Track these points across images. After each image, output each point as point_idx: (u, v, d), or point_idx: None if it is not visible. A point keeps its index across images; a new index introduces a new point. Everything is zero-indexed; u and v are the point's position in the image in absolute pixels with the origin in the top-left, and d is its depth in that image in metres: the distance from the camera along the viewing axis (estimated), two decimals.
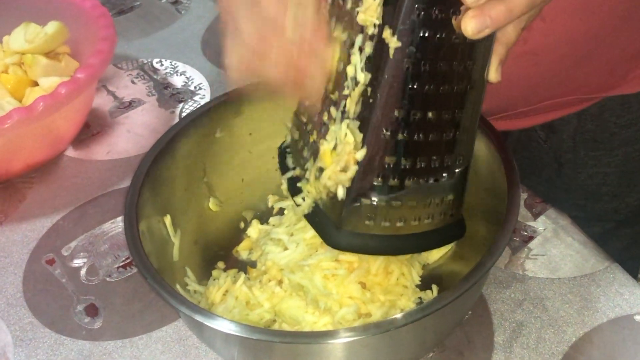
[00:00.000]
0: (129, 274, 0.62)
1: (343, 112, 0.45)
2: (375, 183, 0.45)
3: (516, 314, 0.56)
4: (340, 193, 0.46)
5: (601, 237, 0.63)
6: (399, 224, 0.47)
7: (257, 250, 0.59)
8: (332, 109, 0.46)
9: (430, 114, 0.43)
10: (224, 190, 0.61)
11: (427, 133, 0.44)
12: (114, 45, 0.70)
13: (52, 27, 0.74)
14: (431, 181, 0.46)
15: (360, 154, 0.44)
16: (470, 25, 0.40)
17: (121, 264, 0.63)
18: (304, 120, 0.51)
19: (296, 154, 0.52)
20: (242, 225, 0.62)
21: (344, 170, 0.45)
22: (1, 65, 0.73)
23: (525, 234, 0.62)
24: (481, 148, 0.54)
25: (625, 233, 0.72)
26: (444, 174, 0.46)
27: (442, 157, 0.45)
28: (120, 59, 0.85)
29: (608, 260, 0.60)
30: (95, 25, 0.72)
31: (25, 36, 0.73)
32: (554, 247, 0.61)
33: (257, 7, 0.44)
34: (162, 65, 0.85)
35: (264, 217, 0.62)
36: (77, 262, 0.63)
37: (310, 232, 0.55)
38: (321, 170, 0.47)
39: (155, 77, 0.83)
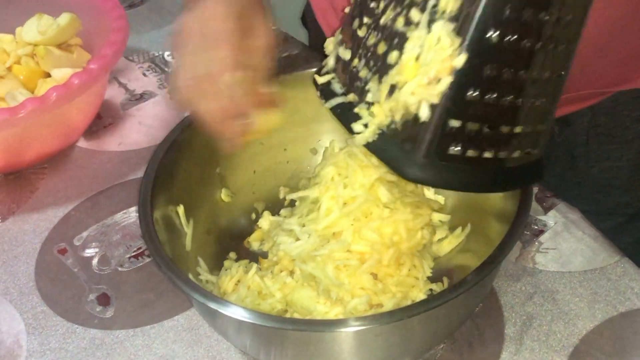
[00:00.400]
0: (141, 264, 0.62)
1: (433, 13, 0.38)
2: (469, 99, 0.38)
3: (527, 307, 0.56)
4: (425, 113, 0.39)
5: (612, 231, 0.63)
6: (487, 155, 0.41)
7: (269, 241, 0.59)
8: (414, 12, 0.39)
9: (543, 15, 0.37)
10: (236, 181, 0.62)
11: (537, 39, 0.38)
12: (127, 36, 0.70)
13: (64, 18, 0.74)
14: (528, 101, 0.40)
15: (460, 60, 0.37)
16: None
17: (133, 254, 0.63)
18: (361, 34, 0.43)
19: (348, 76, 0.45)
20: (253, 216, 0.62)
21: (434, 82, 0.38)
22: (14, 57, 0.73)
23: (536, 227, 0.62)
24: None
25: (636, 227, 0.72)
26: (543, 95, 0.40)
27: (546, 72, 0.40)
28: (132, 51, 0.86)
29: (618, 254, 0.60)
30: (107, 17, 0.72)
31: (38, 28, 0.73)
32: (564, 241, 0.61)
33: (206, 52, 0.46)
34: (173, 58, 0.85)
35: (275, 208, 0.63)
36: (88, 252, 0.64)
37: (322, 223, 0.55)
38: (396, 86, 0.40)
39: (166, 69, 0.83)
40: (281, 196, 0.64)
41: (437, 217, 0.59)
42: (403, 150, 0.41)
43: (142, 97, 0.80)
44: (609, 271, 0.59)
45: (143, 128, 0.76)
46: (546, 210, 0.64)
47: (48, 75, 0.73)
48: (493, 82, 0.38)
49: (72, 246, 0.64)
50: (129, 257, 0.63)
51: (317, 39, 0.77)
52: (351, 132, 0.43)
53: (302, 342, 0.47)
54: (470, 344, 0.54)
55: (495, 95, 0.39)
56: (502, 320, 0.56)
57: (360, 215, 0.55)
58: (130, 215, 0.67)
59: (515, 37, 0.37)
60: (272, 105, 0.50)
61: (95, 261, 0.63)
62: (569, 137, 0.70)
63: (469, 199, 0.58)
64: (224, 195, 0.61)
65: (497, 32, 0.37)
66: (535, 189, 0.65)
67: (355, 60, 0.44)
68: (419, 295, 0.54)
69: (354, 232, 0.54)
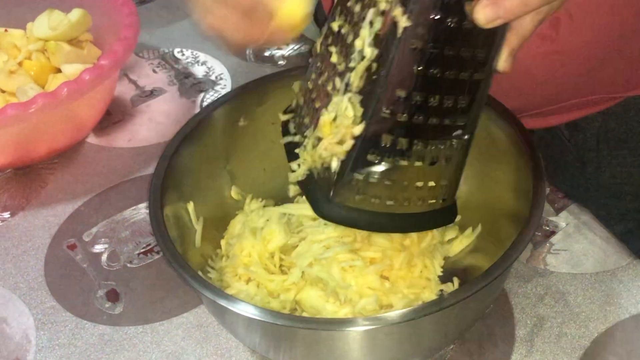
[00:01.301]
0: (150, 260, 0.62)
1: (347, 85, 0.44)
2: (369, 159, 0.45)
3: (538, 309, 0.56)
4: (334, 165, 0.46)
5: (623, 236, 0.62)
6: (389, 202, 0.47)
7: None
8: (337, 80, 0.45)
9: (432, 98, 0.43)
10: (245, 179, 0.61)
11: (427, 116, 0.43)
12: (138, 33, 0.70)
13: (75, 14, 0.74)
14: (426, 164, 0.46)
15: (358, 129, 0.44)
16: (482, 14, 0.39)
17: (142, 251, 0.63)
18: (310, 87, 0.50)
19: (299, 120, 0.52)
20: None
21: (341, 142, 0.45)
22: (25, 52, 0.73)
23: (547, 229, 0.62)
24: (507, 144, 0.54)
25: None
26: (440, 159, 0.46)
27: (440, 142, 0.45)
28: (142, 48, 0.86)
29: (630, 256, 0.59)
30: (118, 13, 0.72)
31: (49, 23, 0.74)
32: (576, 243, 0.61)
33: None
34: (183, 54, 0.85)
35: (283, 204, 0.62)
36: (98, 248, 0.64)
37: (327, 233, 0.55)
38: (319, 139, 0.47)
39: (176, 66, 0.83)
40: (291, 194, 0.63)
41: None
42: (320, 192, 0.48)
43: (152, 94, 0.80)
44: (621, 273, 0.58)
45: (153, 124, 0.76)
46: (558, 211, 0.63)
47: (58, 70, 0.73)
48: (389, 149, 0.44)
49: (81, 242, 0.64)
50: (138, 254, 0.63)
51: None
52: (291, 169, 0.50)
53: (312, 341, 0.47)
54: (480, 345, 0.54)
55: (391, 158, 0.45)
56: (512, 322, 0.55)
57: None
58: (140, 211, 0.66)
59: (406, 114, 0.43)
60: None
61: (104, 257, 0.63)
62: (579, 142, 0.69)
63: (480, 200, 0.58)
64: (233, 192, 0.61)
65: (389, 110, 0.43)
66: (547, 190, 0.64)
67: (304, 108, 0.51)
68: (431, 296, 0.54)
69: (362, 239, 0.54)
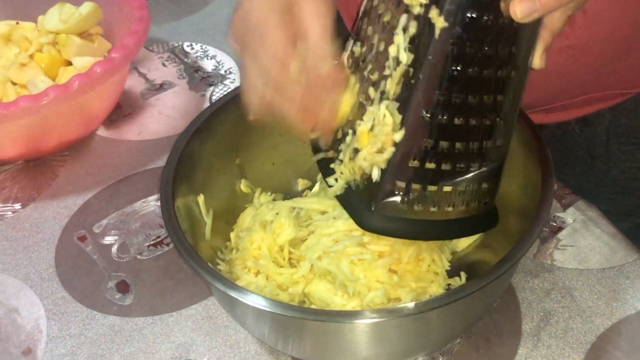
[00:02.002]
0: (160, 252, 0.63)
1: (382, 93, 0.44)
2: (411, 166, 0.45)
3: (544, 303, 0.56)
4: (375, 175, 0.46)
5: (630, 232, 0.63)
6: (432, 209, 0.47)
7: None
8: (371, 90, 0.45)
9: (471, 97, 0.43)
10: (255, 172, 0.62)
11: (467, 117, 0.43)
12: (148, 26, 0.70)
13: (86, 7, 0.74)
14: (468, 167, 0.46)
15: (399, 136, 0.44)
16: (519, 8, 0.39)
17: (152, 243, 0.63)
18: None
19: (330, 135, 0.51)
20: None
21: (381, 151, 0.45)
22: (36, 45, 0.74)
23: (555, 224, 0.62)
24: (516, 139, 0.54)
25: None
26: (482, 161, 0.46)
27: (481, 143, 0.45)
28: (151, 41, 0.86)
29: (637, 252, 0.60)
30: (128, 6, 0.72)
31: (60, 16, 0.74)
32: (582, 238, 0.61)
33: (263, 48, 0.44)
34: (192, 49, 0.85)
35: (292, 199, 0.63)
36: (108, 240, 0.64)
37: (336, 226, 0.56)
38: (356, 151, 0.47)
39: (185, 60, 0.84)
40: (299, 188, 0.64)
41: None
42: (361, 204, 0.47)
43: (161, 87, 0.80)
44: (627, 269, 0.58)
45: (162, 118, 0.77)
46: (565, 207, 0.64)
47: (69, 63, 0.74)
48: (430, 153, 0.44)
49: (91, 233, 0.65)
50: (148, 246, 0.63)
51: (338, 30, 0.77)
52: (327, 184, 0.50)
53: (321, 333, 0.47)
54: (487, 338, 0.55)
55: (433, 163, 0.45)
56: (519, 316, 0.56)
57: None
58: (149, 204, 0.67)
59: (446, 116, 0.43)
60: (337, 86, 0.46)
61: (114, 249, 0.63)
62: (588, 137, 0.70)
63: None
64: (243, 186, 0.62)
65: (430, 113, 0.43)
66: (555, 187, 0.64)
67: None
68: (438, 290, 0.54)
69: (371, 233, 0.54)
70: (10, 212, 0.68)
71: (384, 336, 0.47)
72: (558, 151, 0.70)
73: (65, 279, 0.61)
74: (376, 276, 0.53)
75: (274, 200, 0.62)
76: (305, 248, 0.55)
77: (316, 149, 0.53)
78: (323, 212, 0.58)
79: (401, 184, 0.46)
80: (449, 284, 0.55)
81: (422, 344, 0.50)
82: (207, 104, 0.77)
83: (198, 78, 0.81)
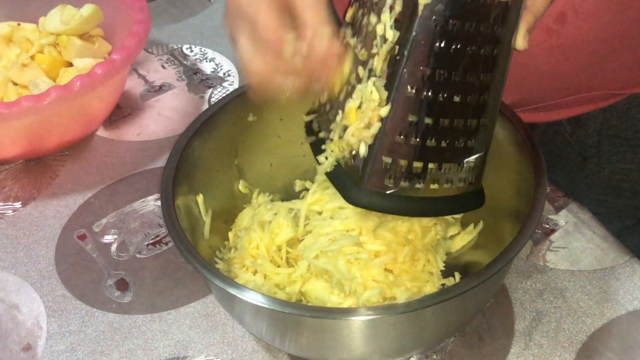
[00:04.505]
0: (159, 251, 0.64)
1: (370, 71, 0.45)
2: (397, 141, 0.46)
3: (536, 304, 0.57)
4: (362, 150, 0.46)
5: (621, 233, 0.64)
6: (418, 186, 0.47)
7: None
8: (360, 69, 0.46)
9: (454, 74, 0.44)
10: (253, 173, 0.63)
11: (451, 93, 0.44)
12: (149, 28, 0.71)
13: (87, 9, 0.75)
14: (453, 144, 0.46)
15: (384, 111, 0.45)
16: None
17: (151, 242, 0.64)
18: None
19: (322, 117, 0.52)
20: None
21: (367, 127, 0.46)
22: (37, 46, 0.74)
23: (547, 226, 0.63)
24: (508, 141, 0.55)
25: None
26: (467, 138, 0.46)
27: (465, 120, 0.46)
28: (151, 43, 0.87)
29: (628, 254, 0.61)
30: (129, 8, 0.73)
31: (61, 18, 0.75)
32: (575, 240, 0.62)
33: (256, 34, 0.45)
34: (191, 51, 0.86)
35: (291, 201, 0.64)
36: (107, 238, 0.65)
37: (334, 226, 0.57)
38: (345, 128, 0.47)
39: (185, 62, 0.85)
40: (297, 189, 0.65)
41: None
42: (350, 180, 0.48)
43: (161, 89, 0.81)
44: (618, 271, 0.60)
45: (161, 119, 0.77)
46: (557, 209, 0.65)
47: (70, 64, 0.75)
48: (416, 129, 0.45)
49: (91, 232, 0.66)
50: (147, 244, 0.64)
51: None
52: (318, 162, 0.51)
53: (317, 330, 0.48)
54: (480, 337, 0.56)
55: (419, 139, 0.45)
56: (512, 316, 0.57)
57: (375, 216, 0.56)
58: (149, 203, 0.68)
59: (431, 92, 0.44)
60: (334, 60, 0.46)
61: (114, 247, 0.64)
62: (580, 138, 0.70)
63: None
64: (241, 186, 0.62)
65: (415, 89, 0.44)
66: (548, 189, 0.66)
67: (327, 104, 0.52)
68: (433, 289, 0.55)
69: (368, 232, 0.55)
70: (10, 211, 0.68)
71: (379, 333, 0.48)
72: (549, 152, 0.71)
73: (65, 277, 0.62)
74: (372, 275, 0.54)
75: (272, 200, 0.63)
76: (302, 247, 0.56)
77: (309, 130, 0.54)
78: (320, 213, 0.58)
79: (387, 160, 0.46)
80: (443, 284, 0.56)
81: (417, 342, 0.51)
82: (205, 106, 0.78)
83: (197, 80, 0.82)
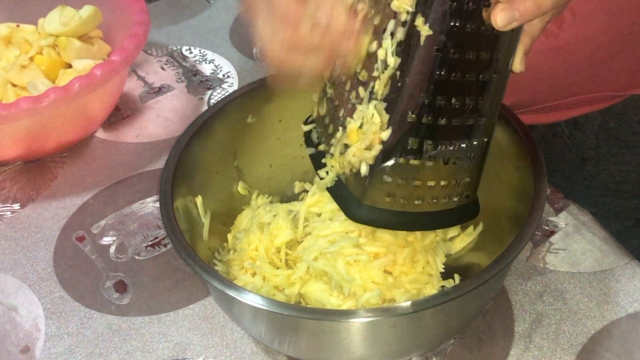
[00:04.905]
0: (157, 253, 0.63)
1: (371, 93, 0.46)
2: (397, 162, 0.47)
3: (536, 306, 0.57)
4: (364, 170, 0.48)
5: (620, 235, 0.64)
6: (417, 202, 0.49)
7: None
8: (361, 89, 0.47)
9: (454, 100, 0.45)
10: (252, 175, 0.63)
11: (450, 118, 0.45)
12: (148, 30, 0.71)
13: (86, 10, 0.75)
14: (450, 163, 0.47)
15: (386, 134, 0.46)
16: (499, 17, 0.41)
17: (150, 243, 0.64)
18: (332, 96, 0.52)
19: (322, 129, 0.53)
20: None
21: (369, 148, 0.47)
22: (36, 47, 0.74)
23: (547, 228, 0.63)
24: (508, 143, 0.55)
25: None
26: (463, 158, 0.48)
27: (463, 141, 0.47)
28: (150, 45, 0.87)
29: (628, 256, 0.61)
30: (128, 10, 0.73)
31: (61, 19, 0.75)
32: (575, 242, 0.62)
33: (272, 12, 0.45)
34: (191, 52, 0.86)
35: (290, 202, 0.63)
36: (106, 240, 0.65)
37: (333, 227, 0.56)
38: (346, 146, 0.49)
39: (184, 64, 0.84)
40: (296, 191, 0.65)
41: None
42: (350, 196, 0.50)
43: (160, 90, 0.81)
44: (618, 273, 0.59)
45: (161, 120, 0.77)
46: (557, 211, 0.64)
47: (69, 66, 0.74)
48: (416, 151, 0.46)
49: (90, 234, 0.65)
50: (146, 246, 0.64)
51: None
52: (319, 176, 0.52)
53: (317, 332, 0.48)
54: (480, 339, 0.55)
55: (418, 160, 0.47)
56: (512, 318, 0.57)
57: None
58: (147, 205, 0.68)
59: (430, 117, 0.45)
60: (352, 33, 0.46)
61: (112, 249, 0.64)
62: (578, 140, 0.70)
63: (481, 199, 0.59)
64: (240, 188, 0.62)
65: (415, 114, 0.45)
66: (548, 191, 0.65)
67: (327, 117, 0.53)
68: (432, 291, 0.55)
69: (367, 234, 0.55)
70: (9, 212, 0.68)
71: (379, 335, 0.48)
72: (548, 154, 0.71)
73: (63, 279, 0.62)
74: (371, 277, 0.54)
75: (271, 202, 0.63)
76: (301, 249, 0.56)
77: (309, 140, 0.55)
78: (319, 214, 0.58)
79: (387, 179, 0.48)
80: (442, 286, 0.56)
81: (416, 344, 0.51)
82: (205, 107, 0.78)
83: (196, 82, 0.82)
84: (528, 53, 0.45)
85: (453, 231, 0.60)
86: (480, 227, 0.59)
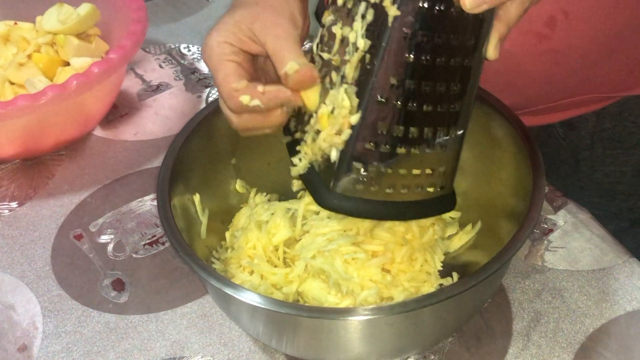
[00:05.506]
0: (155, 251, 0.63)
1: (343, 77, 0.46)
2: (367, 148, 0.46)
3: (535, 304, 0.57)
4: (334, 155, 0.47)
5: (615, 235, 0.63)
6: (388, 191, 0.48)
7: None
8: (333, 74, 0.47)
9: (424, 85, 0.44)
10: (250, 173, 0.63)
11: (420, 103, 0.45)
12: (146, 27, 0.71)
13: (84, 8, 0.75)
14: (423, 151, 0.47)
15: (355, 118, 0.45)
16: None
17: (147, 242, 0.64)
18: None
19: (299, 118, 0.53)
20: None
21: (339, 133, 0.46)
22: (34, 45, 0.74)
23: (546, 226, 0.63)
24: (507, 142, 0.55)
25: (639, 232, 0.73)
26: (436, 146, 0.47)
27: (435, 128, 0.46)
28: (148, 43, 0.87)
29: (626, 254, 0.60)
30: (126, 8, 0.73)
31: (59, 17, 0.75)
32: (573, 240, 0.62)
33: (216, 84, 0.49)
34: (189, 50, 0.86)
35: (288, 200, 0.63)
36: (104, 238, 0.65)
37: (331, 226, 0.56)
38: (318, 132, 0.48)
39: (182, 62, 0.84)
40: (294, 189, 0.64)
41: (448, 213, 0.60)
42: (321, 183, 0.49)
43: (158, 88, 0.81)
44: (617, 271, 0.59)
45: (159, 119, 0.77)
46: (556, 209, 0.64)
47: (67, 63, 0.74)
48: (385, 136, 0.46)
49: (87, 232, 0.65)
50: (144, 245, 0.64)
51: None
52: (292, 164, 0.52)
53: (314, 330, 0.48)
54: (478, 338, 0.55)
55: (388, 146, 0.46)
56: (510, 316, 0.57)
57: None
58: (145, 203, 0.68)
59: (400, 101, 0.44)
60: (301, 85, 0.48)
61: (110, 247, 0.64)
62: (573, 141, 0.70)
63: (480, 197, 0.59)
64: (238, 186, 0.62)
65: (385, 98, 0.44)
66: (546, 189, 0.65)
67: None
68: (430, 290, 0.55)
69: (365, 232, 0.55)
70: (7, 211, 0.68)
71: (377, 334, 0.48)
72: (543, 154, 0.71)
73: (61, 277, 0.62)
74: (369, 275, 0.54)
75: (269, 200, 0.63)
76: (299, 247, 0.56)
77: (286, 131, 0.54)
78: (318, 212, 0.58)
79: (357, 165, 0.47)
80: (441, 284, 0.56)
81: (414, 342, 0.51)
82: (203, 105, 0.78)
83: (194, 80, 0.82)
84: (503, 40, 0.44)
85: (451, 229, 0.60)
86: (478, 225, 0.59)
